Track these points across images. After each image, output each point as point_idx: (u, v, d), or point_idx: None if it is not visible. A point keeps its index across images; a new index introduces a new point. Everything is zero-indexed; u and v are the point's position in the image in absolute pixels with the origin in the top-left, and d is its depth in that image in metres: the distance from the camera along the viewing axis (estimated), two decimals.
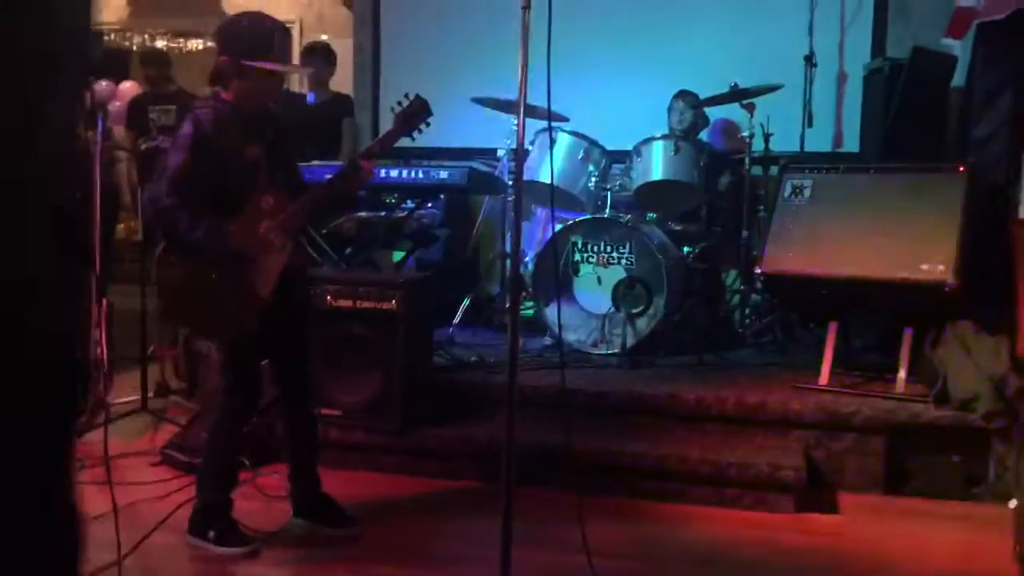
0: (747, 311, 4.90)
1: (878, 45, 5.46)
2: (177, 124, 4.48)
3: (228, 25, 2.97)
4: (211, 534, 2.97)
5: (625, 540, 3.16)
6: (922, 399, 3.65)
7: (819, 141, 5.33)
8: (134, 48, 9.30)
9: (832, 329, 3.97)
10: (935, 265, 3.67)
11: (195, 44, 9.00)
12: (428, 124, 3.10)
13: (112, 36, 8.99)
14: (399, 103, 3.07)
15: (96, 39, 8.84)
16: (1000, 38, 4.14)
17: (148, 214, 2.80)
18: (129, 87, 8.04)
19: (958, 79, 4.84)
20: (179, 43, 8.95)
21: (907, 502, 3.50)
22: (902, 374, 3.79)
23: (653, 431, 3.74)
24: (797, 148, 5.04)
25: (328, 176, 3.08)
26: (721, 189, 5.06)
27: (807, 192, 4.08)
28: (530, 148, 4.78)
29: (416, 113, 3.06)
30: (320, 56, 5.74)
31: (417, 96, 3.08)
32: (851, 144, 5.51)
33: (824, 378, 3.89)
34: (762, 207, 4.95)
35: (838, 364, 3.93)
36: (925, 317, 3.84)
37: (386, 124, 3.17)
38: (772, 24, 5.46)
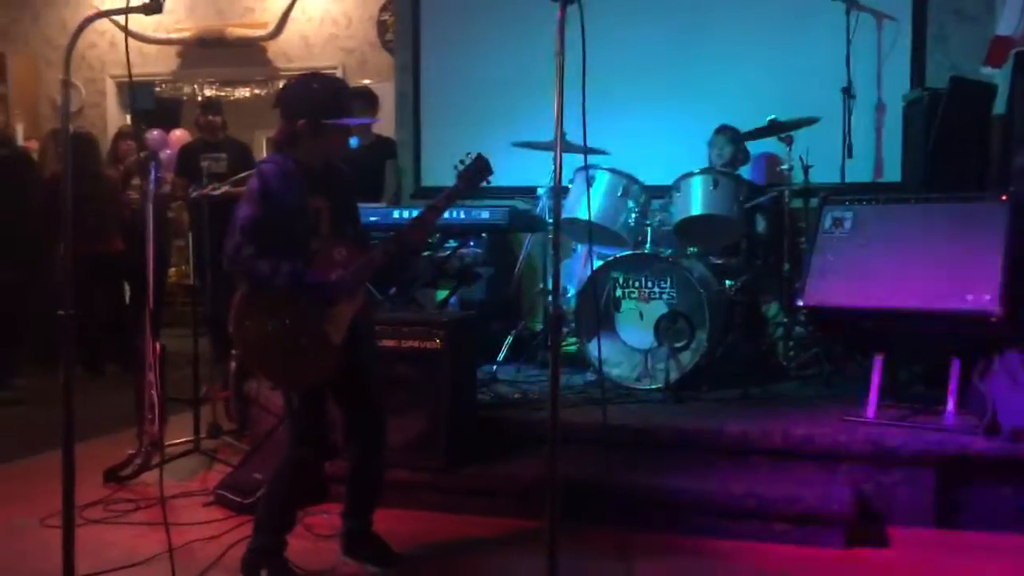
0: (791, 344, 4.88)
1: (917, 75, 5.46)
2: (230, 174, 4.64)
3: (298, 88, 3.02)
4: (263, 574, 3.02)
5: None
6: (972, 431, 3.60)
7: (860, 172, 5.32)
8: (184, 97, 9.59)
9: (878, 361, 3.93)
10: (980, 295, 3.64)
11: (242, 92, 9.26)
12: (489, 182, 3.21)
13: (163, 86, 9.29)
14: (461, 161, 3.17)
15: (148, 89, 9.14)
16: None
17: (229, 269, 2.87)
18: (180, 135, 8.29)
19: (999, 107, 4.81)
20: (227, 91, 9.21)
21: (959, 535, 3.44)
22: (951, 406, 3.74)
23: (698, 466, 3.72)
24: (838, 179, 5.03)
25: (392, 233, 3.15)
26: (761, 223, 5.06)
27: (848, 223, 4.07)
28: (569, 186, 4.84)
29: (479, 171, 3.16)
30: (363, 102, 5.89)
31: (479, 155, 3.17)
32: (892, 174, 5.48)
33: (871, 410, 3.85)
34: (803, 239, 4.94)
35: (885, 396, 3.89)
36: (972, 347, 3.80)
37: (428, 165, 3.24)
38: (810, 57, 5.48)
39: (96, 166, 6.53)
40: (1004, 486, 3.47)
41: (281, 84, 3.28)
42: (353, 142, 5.79)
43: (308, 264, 2.91)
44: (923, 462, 3.53)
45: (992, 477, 3.48)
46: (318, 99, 2.96)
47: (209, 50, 8.58)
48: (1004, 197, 3.81)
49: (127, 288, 7.01)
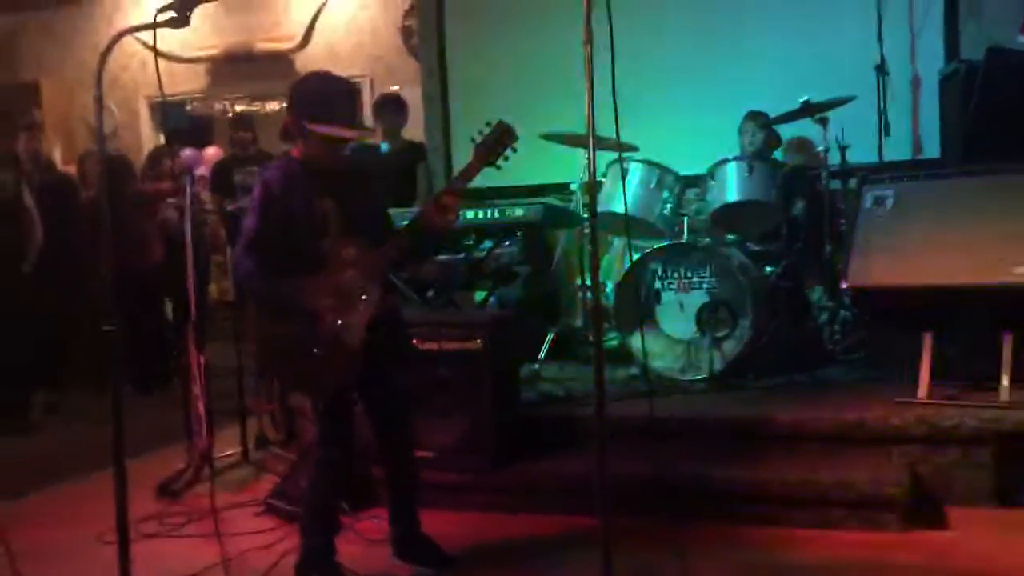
0: (836, 327, 4.80)
1: (951, 48, 5.34)
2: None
3: (297, 85, 3.03)
4: None
5: (727, 568, 3.11)
6: None
7: (898, 150, 5.23)
8: (215, 114, 9.69)
9: (927, 340, 3.85)
10: None
11: (272, 106, 9.33)
12: (515, 149, 2.97)
13: (195, 104, 9.39)
14: (480, 132, 2.98)
15: (180, 108, 9.25)
16: None
17: (235, 278, 2.91)
18: (213, 152, 8.37)
19: None
20: (258, 106, 9.29)
21: (1020, 514, 3.37)
22: (1005, 381, 3.65)
23: (748, 455, 3.68)
24: (875, 158, 4.95)
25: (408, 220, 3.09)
26: (799, 206, 4.99)
27: (889, 202, 4.00)
28: (603, 180, 4.80)
29: (499, 139, 2.96)
30: (392, 108, 5.91)
31: (500, 122, 2.97)
32: (931, 150, 5.38)
33: (923, 390, 3.78)
34: (843, 221, 4.86)
35: (936, 375, 3.81)
36: (1023, 321, 3.71)
37: (460, 166, 3.10)
38: (840, 36, 5.40)
39: (131, 186, 6.63)
40: None
41: None
42: (383, 148, 5.85)
43: (318, 265, 2.87)
44: (979, 440, 3.46)
45: None
46: (306, 100, 2.92)
47: (238, 66, 8.66)
48: None
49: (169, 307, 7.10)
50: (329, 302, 2.88)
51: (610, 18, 2.32)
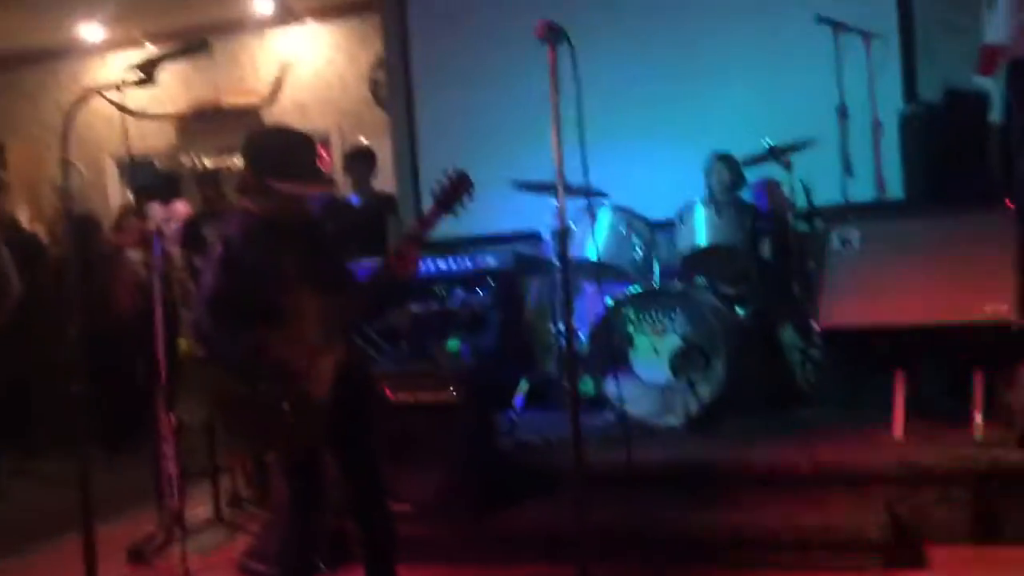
0: (809, 367, 4.82)
1: (909, 90, 5.46)
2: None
3: (254, 140, 2.99)
4: None
5: None
6: (1003, 443, 3.53)
7: (862, 190, 5.29)
8: (183, 170, 9.66)
9: (899, 378, 3.88)
10: (997, 305, 3.60)
11: (240, 160, 9.31)
12: (470, 196, 2.98)
13: (162, 160, 9.37)
14: (438, 181, 2.99)
15: (148, 165, 9.22)
16: None
17: (193, 338, 2.85)
18: (182, 207, 8.33)
19: (995, 115, 4.80)
20: (226, 161, 9.28)
21: (1000, 551, 3.37)
22: (978, 419, 3.68)
23: (727, 498, 3.66)
24: (840, 199, 5.01)
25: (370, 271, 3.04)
26: (767, 248, 5.04)
27: (855, 242, 4.05)
28: (572, 226, 4.83)
29: (456, 187, 2.98)
30: (361, 160, 5.94)
31: (455, 169, 2.99)
32: (894, 190, 5.46)
33: (898, 429, 3.80)
34: (811, 261, 4.91)
35: (910, 413, 3.84)
36: (994, 358, 3.75)
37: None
38: (801, 79, 5.48)
39: (99, 245, 6.58)
40: None
41: None
42: (354, 200, 5.86)
43: (281, 321, 2.83)
44: (956, 478, 3.47)
45: None
46: (265, 156, 2.87)
47: (206, 121, 8.67)
48: (1010, 205, 3.79)
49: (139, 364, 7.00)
50: (294, 357, 2.84)
51: (576, 69, 2.35)
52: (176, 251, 6.68)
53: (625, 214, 4.78)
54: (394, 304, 4.49)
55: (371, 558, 3.18)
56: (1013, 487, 3.43)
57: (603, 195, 4.71)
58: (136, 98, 8.04)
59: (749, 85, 5.68)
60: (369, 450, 3.14)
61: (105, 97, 2.60)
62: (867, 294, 3.92)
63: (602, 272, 4.55)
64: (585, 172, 2.43)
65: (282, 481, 3.07)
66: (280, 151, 2.89)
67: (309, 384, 2.84)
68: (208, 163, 9.31)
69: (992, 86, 4.81)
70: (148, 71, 2.39)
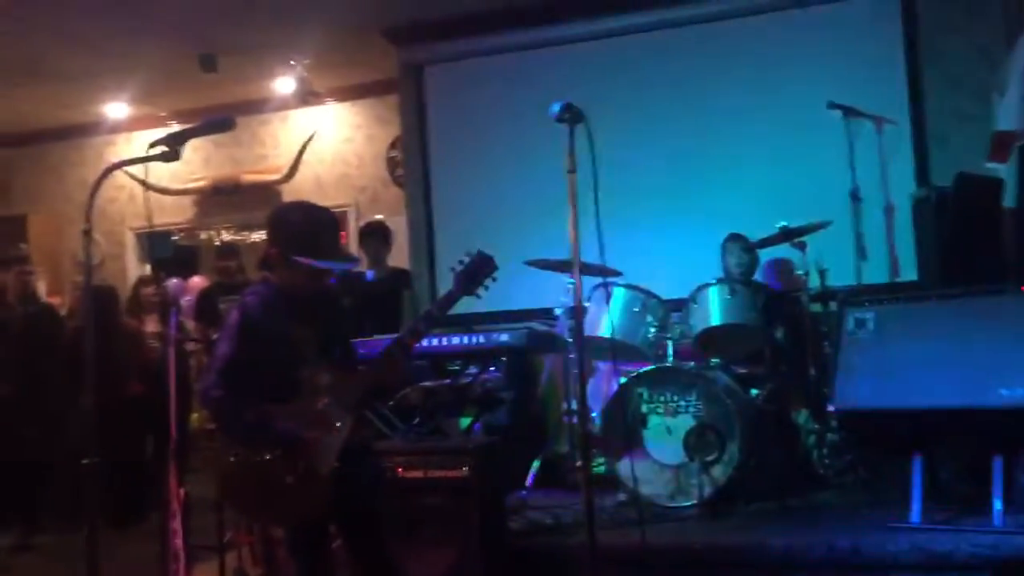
0: (825, 451, 4.77)
1: (921, 174, 5.52)
2: None
3: (280, 216, 3.00)
4: None
5: None
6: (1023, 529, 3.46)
7: (875, 273, 5.31)
8: (202, 244, 9.78)
9: (917, 462, 3.83)
10: (1015, 389, 3.57)
11: (259, 235, 9.43)
12: (494, 279, 3.01)
13: (181, 235, 9.50)
14: (460, 262, 3.00)
15: (166, 239, 9.35)
16: None
17: (202, 406, 2.85)
18: (198, 281, 8.42)
19: (1008, 200, 4.84)
20: (244, 235, 9.40)
21: None
22: (998, 505, 3.61)
23: None
24: (854, 281, 5.03)
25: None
26: (780, 329, 5.03)
27: (871, 324, 4.04)
28: (587, 304, 4.84)
29: (479, 269, 2.98)
30: (377, 236, 6.00)
31: (480, 252, 3.00)
32: (908, 273, 5.47)
33: (916, 515, 3.73)
34: (826, 343, 4.89)
35: (928, 499, 3.77)
36: (1013, 442, 3.70)
37: (447, 287, 3.08)
38: (814, 164, 5.57)
39: (116, 317, 6.63)
40: None
41: None
42: (369, 275, 5.90)
43: (292, 393, 2.84)
44: (976, 567, 3.39)
45: None
46: (292, 232, 2.89)
47: (225, 197, 8.81)
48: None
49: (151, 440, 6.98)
50: (303, 430, 2.83)
51: (592, 148, 2.39)
52: (191, 324, 6.73)
53: (639, 293, 4.79)
54: (414, 381, 4.43)
55: None
56: None
57: (617, 274, 4.73)
58: (158, 173, 8.23)
59: (763, 168, 5.76)
60: (377, 528, 3.09)
61: (128, 172, 2.65)
62: (882, 376, 3.89)
63: (616, 351, 4.54)
64: (601, 250, 2.44)
65: (289, 559, 3.03)
66: (305, 228, 2.91)
67: (315, 458, 2.83)
68: (227, 237, 9.45)
69: (1004, 172, 4.85)
70: (173, 146, 2.44)
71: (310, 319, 2.93)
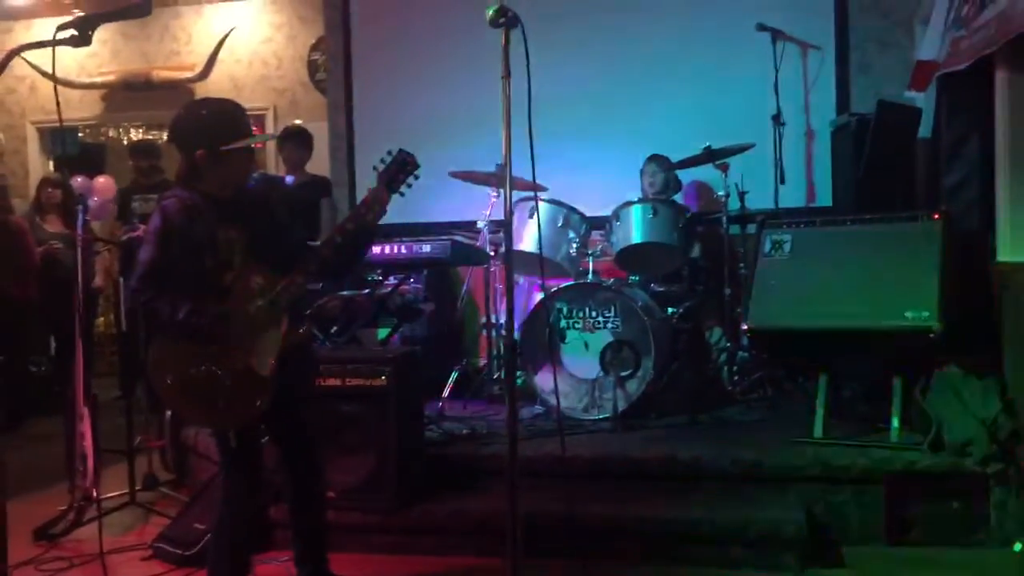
0: (735, 369, 4.91)
1: (842, 101, 5.59)
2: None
3: (188, 119, 2.88)
4: None
5: None
6: (917, 447, 3.64)
7: (793, 197, 5.41)
8: (108, 142, 9.39)
9: (822, 381, 3.97)
10: (919, 312, 3.70)
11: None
12: (417, 177, 2.98)
13: (87, 131, 9.07)
14: (382, 160, 2.97)
15: (72, 135, 8.93)
16: (963, 88, 4.25)
17: (133, 308, 2.76)
18: (104, 181, 8.09)
19: (924, 130, 4.95)
20: (154, 135, 9.03)
21: (911, 551, 3.46)
22: (895, 423, 3.79)
23: (651, 494, 3.70)
24: (772, 205, 5.11)
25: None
26: (698, 250, 5.11)
27: (787, 247, 4.13)
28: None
29: (401, 167, 2.96)
30: (296, 140, 5.83)
31: (401, 150, 2.97)
32: (824, 198, 5.59)
33: (818, 431, 3.88)
34: (742, 264, 4.99)
35: (830, 416, 3.93)
36: (913, 364, 3.86)
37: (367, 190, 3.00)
38: (739, 87, 5.57)
39: (3, 213, 6.37)
40: (952, 500, 3.51)
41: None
42: (288, 180, 5.75)
43: (223, 297, 2.79)
44: (872, 480, 3.55)
45: (939, 492, 3.51)
46: (210, 125, 2.83)
47: (135, 94, 8.41)
48: (936, 216, 3.90)
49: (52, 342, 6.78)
50: (239, 332, 2.79)
51: (527, 54, 2.33)
52: (96, 225, 6.49)
53: (563, 208, 4.78)
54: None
55: (303, 541, 3.12)
56: (923, 491, 3.52)
57: (543, 189, 4.71)
58: (63, 66, 7.80)
59: (689, 88, 5.74)
60: (307, 430, 3.08)
61: (30, 62, 2.48)
62: (794, 298, 4.00)
63: (536, 265, 4.55)
64: (532, 162, 2.40)
65: (221, 463, 2.98)
66: (221, 116, 2.86)
67: (254, 359, 2.80)
68: (136, 136, 9.07)
69: (923, 101, 4.95)
70: (83, 30, 2.28)
71: (236, 220, 2.85)
